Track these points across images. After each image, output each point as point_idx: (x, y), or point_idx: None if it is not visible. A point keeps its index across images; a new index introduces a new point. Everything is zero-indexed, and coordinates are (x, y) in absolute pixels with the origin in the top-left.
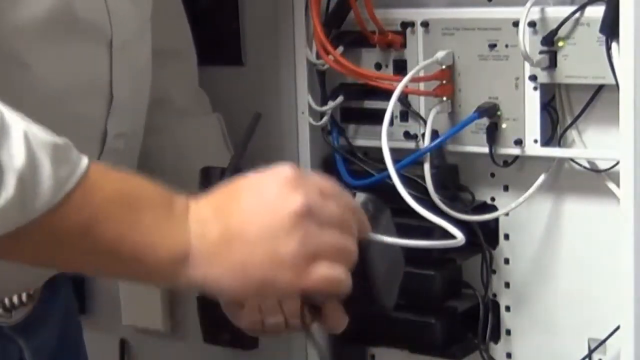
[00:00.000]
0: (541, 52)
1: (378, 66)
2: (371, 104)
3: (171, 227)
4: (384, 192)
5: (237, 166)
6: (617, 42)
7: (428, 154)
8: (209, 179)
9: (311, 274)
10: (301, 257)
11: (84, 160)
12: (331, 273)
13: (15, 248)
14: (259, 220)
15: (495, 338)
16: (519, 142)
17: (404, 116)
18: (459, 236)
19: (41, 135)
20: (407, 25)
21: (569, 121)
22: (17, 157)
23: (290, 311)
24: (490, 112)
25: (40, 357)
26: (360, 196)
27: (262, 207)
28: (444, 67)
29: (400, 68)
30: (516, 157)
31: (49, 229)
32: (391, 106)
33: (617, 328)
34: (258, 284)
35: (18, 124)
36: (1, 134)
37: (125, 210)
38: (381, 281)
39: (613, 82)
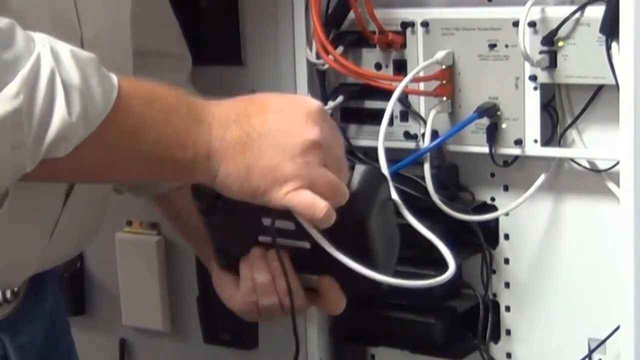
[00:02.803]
0: (541, 52)
1: (378, 66)
2: (371, 104)
3: (196, 128)
4: None
5: None
6: (617, 42)
7: (428, 154)
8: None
9: (296, 194)
10: (296, 179)
11: (112, 74)
12: (313, 200)
13: (76, 163)
14: (276, 136)
15: (495, 338)
16: (519, 142)
17: (404, 116)
18: (451, 267)
19: (83, 53)
20: (407, 25)
21: (569, 121)
22: (73, 75)
23: (285, 291)
24: (490, 112)
25: (24, 354)
26: (360, 167)
27: (282, 127)
28: (444, 67)
29: (400, 68)
30: (516, 157)
31: (104, 139)
32: (390, 106)
33: (617, 328)
34: (253, 189)
35: (63, 46)
36: (55, 57)
37: (158, 114)
38: (380, 257)
39: (613, 82)
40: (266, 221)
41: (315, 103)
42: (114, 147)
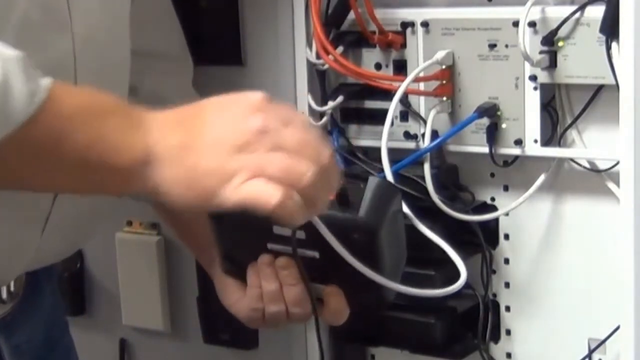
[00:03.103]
0: (541, 52)
1: (378, 66)
2: (371, 104)
3: (133, 133)
4: None
5: None
6: (617, 42)
7: (428, 154)
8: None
9: (245, 186)
10: (242, 171)
11: (45, 77)
12: (265, 187)
13: None
14: (216, 133)
15: (495, 338)
16: (519, 142)
17: (404, 116)
18: (462, 274)
19: (9, 50)
20: (407, 25)
21: (569, 121)
22: None
23: (292, 299)
24: (490, 112)
25: (20, 354)
26: (373, 179)
27: (222, 123)
28: (444, 67)
29: (400, 68)
30: (516, 157)
31: (26, 142)
32: (393, 107)
33: (617, 328)
34: (201, 192)
35: None
36: None
37: (90, 120)
38: (388, 267)
39: (613, 82)
40: (277, 229)
41: (257, 94)
42: (39, 150)
